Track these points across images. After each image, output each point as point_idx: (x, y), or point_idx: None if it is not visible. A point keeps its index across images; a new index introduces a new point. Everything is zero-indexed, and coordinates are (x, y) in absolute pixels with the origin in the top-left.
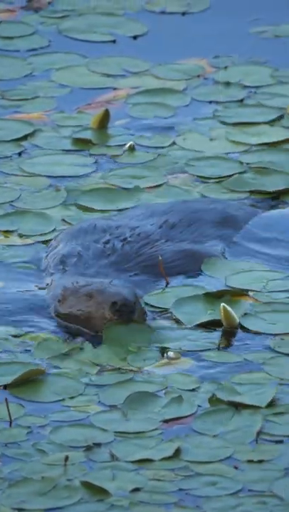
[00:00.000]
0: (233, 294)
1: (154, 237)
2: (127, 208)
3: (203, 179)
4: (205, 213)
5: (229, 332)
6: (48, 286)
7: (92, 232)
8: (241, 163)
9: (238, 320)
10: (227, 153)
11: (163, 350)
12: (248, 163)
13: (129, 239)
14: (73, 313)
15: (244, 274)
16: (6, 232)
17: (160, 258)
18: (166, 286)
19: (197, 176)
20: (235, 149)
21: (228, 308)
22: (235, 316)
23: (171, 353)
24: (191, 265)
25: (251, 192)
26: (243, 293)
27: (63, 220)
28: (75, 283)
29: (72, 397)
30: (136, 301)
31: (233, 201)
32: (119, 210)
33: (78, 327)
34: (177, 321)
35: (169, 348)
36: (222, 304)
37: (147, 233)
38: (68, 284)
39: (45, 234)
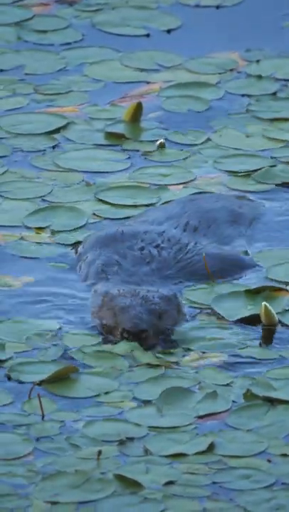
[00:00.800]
0: (272, 290)
1: (184, 242)
2: (147, 204)
3: (231, 173)
4: (217, 213)
5: (268, 329)
6: (92, 295)
7: (121, 239)
8: (273, 157)
9: (277, 318)
10: (263, 150)
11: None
12: (278, 157)
13: (162, 245)
14: (102, 322)
15: (285, 266)
16: (39, 228)
17: (204, 255)
18: (212, 282)
19: (226, 171)
20: (271, 146)
21: (269, 306)
22: (275, 314)
23: None
24: (227, 268)
25: (279, 184)
26: (282, 288)
27: (94, 214)
28: (120, 290)
29: (106, 393)
30: (151, 327)
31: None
32: (146, 205)
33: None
34: (218, 317)
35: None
36: (263, 303)
37: (176, 238)
38: (113, 290)
39: (77, 229)
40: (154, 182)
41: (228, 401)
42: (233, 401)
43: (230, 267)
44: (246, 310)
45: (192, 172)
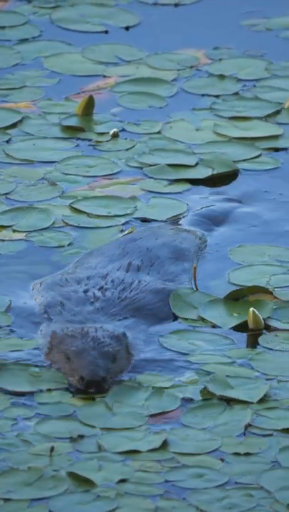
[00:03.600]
0: (252, 291)
1: (127, 281)
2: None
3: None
4: (159, 251)
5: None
6: (39, 336)
7: (66, 285)
8: (194, 153)
9: (263, 322)
10: (206, 144)
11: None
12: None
13: (105, 286)
14: (56, 366)
15: (244, 270)
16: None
17: (194, 265)
18: (196, 291)
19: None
20: (219, 140)
21: (256, 312)
22: (261, 319)
23: None
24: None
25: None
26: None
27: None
28: (64, 329)
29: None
30: (107, 374)
31: (166, 229)
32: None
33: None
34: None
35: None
36: (251, 309)
37: (120, 278)
38: (58, 330)
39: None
40: (79, 173)
41: (177, 399)
42: (190, 399)
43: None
44: (233, 317)
45: (118, 164)
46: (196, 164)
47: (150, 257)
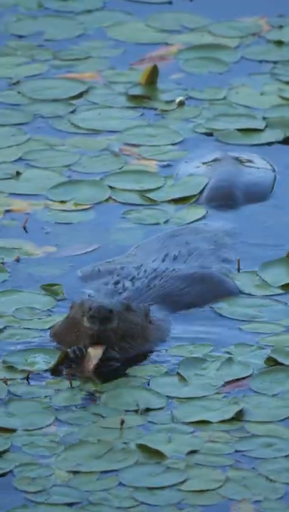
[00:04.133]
0: None
1: (160, 270)
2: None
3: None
4: (198, 243)
5: None
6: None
7: (97, 276)
8: (263, 118)
9: None
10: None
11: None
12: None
13: (137, 276)
14: (65, 334)
15: None
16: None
17: (238, 258)
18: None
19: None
20: (284, 103)
21: None
22: None
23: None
24: (203, 288)
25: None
26: None
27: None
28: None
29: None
30: (117, 310)
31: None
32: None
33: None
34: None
35: None
36: None
37: (153, 268)
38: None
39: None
40: (142, 143)
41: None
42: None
43: (210, 286)
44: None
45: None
46: (266, 128)
47: (189, 248)
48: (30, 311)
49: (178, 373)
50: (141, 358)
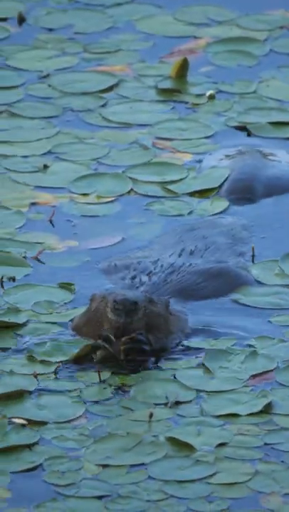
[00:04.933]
0: None
1: (177, 265)
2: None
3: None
4: (215, 237)
5: None
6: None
7: (115, 271)
8: None
9: None
10: None
11: None
12: None
13: (154, 271)
14: (88, 326)
15: None
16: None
17: (253, 246)
18: (253, 258)
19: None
20: None
21: None
22: None
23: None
24: (220, 282)
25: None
26: None
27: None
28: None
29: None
30: (142, 302)
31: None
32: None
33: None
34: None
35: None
36: None
37: (170, 263)
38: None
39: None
40: (173, 136)
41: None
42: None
43: (227, 280)
44: None
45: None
46: None
47: (206, 243)
48: (49, 305)
49: (204, 365)
50: (165, 350)
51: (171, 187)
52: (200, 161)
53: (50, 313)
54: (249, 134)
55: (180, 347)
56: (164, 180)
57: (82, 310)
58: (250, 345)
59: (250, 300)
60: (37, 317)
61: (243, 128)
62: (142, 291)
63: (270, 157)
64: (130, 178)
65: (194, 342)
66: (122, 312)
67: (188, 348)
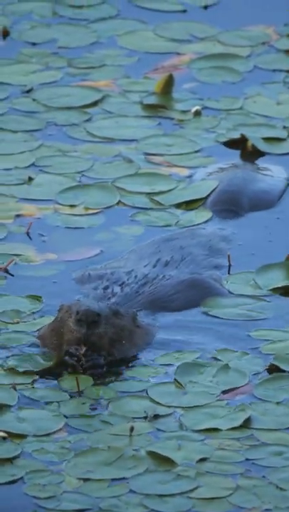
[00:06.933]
0: None
1: (151, 276)
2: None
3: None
4: (192, 248)
5: None
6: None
7: (88, 282)
8: (285, 127)
9: None
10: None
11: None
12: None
13: (127, 282)
14: (53, 337)
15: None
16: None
17: (228, 254)
18: (230, 268)
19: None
20: None
21: None
22: None
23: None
24: (193, 294)
25: None
26: None
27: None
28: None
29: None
30: (105, 314)
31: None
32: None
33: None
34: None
35: None
36: None
37: (144, 274)
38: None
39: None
40: (159, 152)
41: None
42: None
43: (200, 291)
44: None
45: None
46: (288, 137)
47: (182, 253)
48: (16, 315)
49: (175, 380)
50: (131, 363)
51: (158, 198)
52: (192, 175)
53: (17, 323)
54: (245, 148)
55: (148, 360)
56: (154, 191)
57: (50, 320)
58: (216, 359)
59: (221, 312)
60: (5, 326)
61: (232, 144)
62: (113, 302)
63: (263, 171)
64: (119, 188)
65: (162, 355)
66: (84, 323)
67: (156, 362)
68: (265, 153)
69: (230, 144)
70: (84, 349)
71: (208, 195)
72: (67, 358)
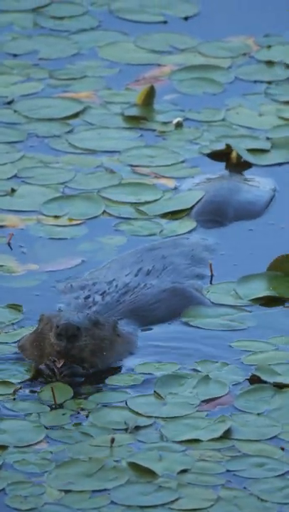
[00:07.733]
0: None
1: (132, 285)
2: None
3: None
4: (174, 258)
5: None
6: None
7: (70, 292)
8: (268, 138)
9: None
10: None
11: None
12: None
13: (108, 291)
14: (33, 348)
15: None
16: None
17: (210, 263)
18: (212, 278)
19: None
20: (285, 124)
21: None
22: None
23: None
24: (173, 303)
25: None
26: None
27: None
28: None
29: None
30: (84, 326)
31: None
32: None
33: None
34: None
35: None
36: None
37: (125, 283)
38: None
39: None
40: (142, 163)
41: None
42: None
43: (181, 301)
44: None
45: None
46: (272, 148)
47: (164, 263)
48: None
49: (155, 392)
50: (111, 373)
51: (144, 208)
52: (178, 186)
53: None
54: (230, 160)
55: (127, 370)
56: (139, 201)
57: (30, 330)
58: (196, 370)
59: (200, 322)
60: None
61: (215, 155)
62: (93, 311)
63: (249, 182)
64: (104, 198)
65: (142, 365)
66: (63, 337)
67: (136, 371)
68: (251, 164)
69: (214, 155)
70: (62, 363)
71: (194, 206)
72: (43, 367)
